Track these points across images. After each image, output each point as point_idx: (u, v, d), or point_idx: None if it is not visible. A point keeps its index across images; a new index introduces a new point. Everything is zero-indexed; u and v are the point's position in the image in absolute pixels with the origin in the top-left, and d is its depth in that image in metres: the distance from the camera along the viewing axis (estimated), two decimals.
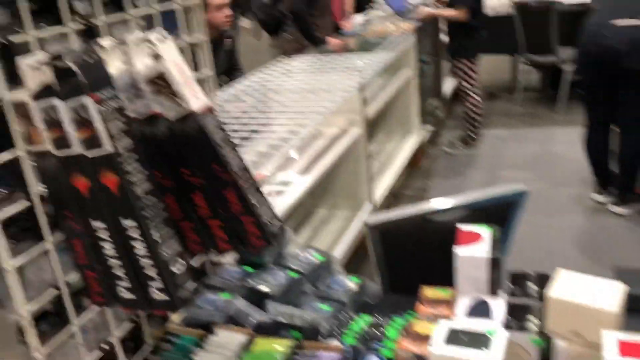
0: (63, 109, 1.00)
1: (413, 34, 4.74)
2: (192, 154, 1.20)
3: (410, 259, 1.67)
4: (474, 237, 1.39)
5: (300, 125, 2.84)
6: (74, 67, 0.97)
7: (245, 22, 6.90)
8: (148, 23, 1.42)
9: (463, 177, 4.78)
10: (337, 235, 3.43)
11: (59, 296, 1.18)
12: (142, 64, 1.18)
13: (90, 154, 1.02)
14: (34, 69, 1.01)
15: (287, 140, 2.72)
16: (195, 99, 1.19)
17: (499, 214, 1.68)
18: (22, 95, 1.03)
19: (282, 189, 2.80)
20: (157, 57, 1.16)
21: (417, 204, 1.74)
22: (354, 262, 3.19)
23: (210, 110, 1.22)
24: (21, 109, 1.04)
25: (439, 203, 1.69)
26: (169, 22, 1.51)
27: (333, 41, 4.58)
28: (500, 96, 6.83)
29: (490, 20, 5.42)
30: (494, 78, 7.23)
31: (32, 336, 1.12)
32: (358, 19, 5.22)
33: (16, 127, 1.06)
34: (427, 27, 5.10)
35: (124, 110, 1.06)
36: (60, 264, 1.17)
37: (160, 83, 1.17)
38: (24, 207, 1.10)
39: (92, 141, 1.01)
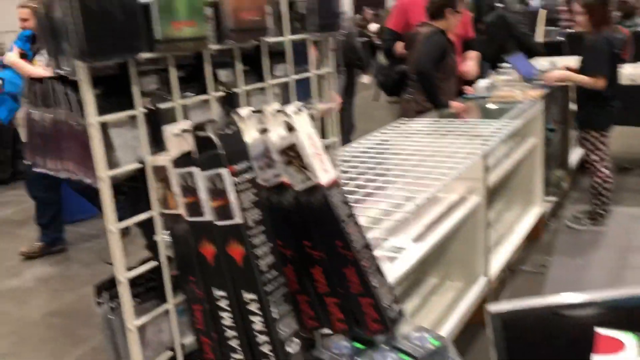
0: (200, 177, 1.03)
1: (541, 100, 4.55)
2: (315, 227, 1.18)
3: (535, 357, 1.52)
4: (616, 346, 1.23)
5: (419, 191, 2.77)
6: (215, 139, 1.00)
7: (365, 79, 7.01)
8: (284, 91, 1.45)
9: (587, 257, 4.41)
10: (448, 308, 3.26)
11: (173, 358, 1.19)
12: (277, 134, 1.20)
13: (221, 223, 1.03)
14: (177, 136, 1.05)
15: (403, 205, 2.65)
16: (324, 172, 1.18)
17: None
18: (163, 160, 1.07)
19: (395, 255, 2.73)
20: (291, 128, 1.17)
21: (546, 296, 1.59)
22: (465, 339, 3.01)
23: (337, 184, 1.20)
24: (160, 173, 1.08)
25: (572, 297, 1.54)
26: (302, 90, 1.54)
27: (456, 105, 4.49)
28: (634, 171, 6.34)
29: (625, 89, 5.09)
30: (628, 150, 6.74)
31: None
32: (483, 83, 5.11)
33: (154, 190, 1.10)
34: (555, 94, 4.88)
35: (256, 181, 1.07)
36: (178, 326, 1.18)
37: (292, 154, 1.18)
38: (152, 267, 1.13)
39: (223, 211, 1.02)
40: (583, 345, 1.26)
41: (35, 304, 4.22)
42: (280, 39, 1.38)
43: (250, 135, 1.18)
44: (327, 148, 1.60)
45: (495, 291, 3.83)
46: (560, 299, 1.58)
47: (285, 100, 1.46)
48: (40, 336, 3.79)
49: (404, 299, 3.20)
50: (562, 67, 4.98)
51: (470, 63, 5.05)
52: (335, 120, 1.61)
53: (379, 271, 1.19)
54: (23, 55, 4.21)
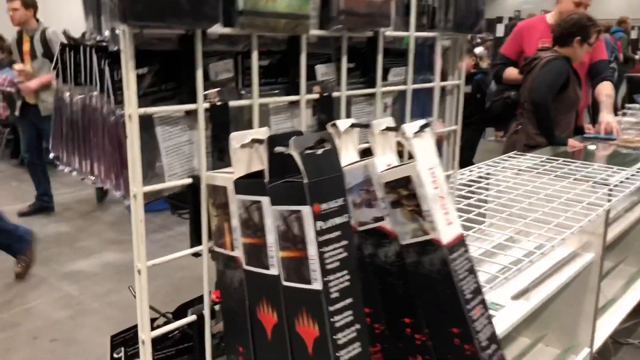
0: (270, 213, 0.70)
1: None
2: (423, 300, 0.82)
3: None
4: None
5: (529, 242, 2.32)
6: (299, 160, 0.66)
7: None
8: (395, 104, 1.11)
9: None
10: None
11: None
12: (385, 160, 0.86)
13: (292, 284, 0.69)
14: (247, 148, 0.73)
15: (509, 256, 2.22)
16: (447, 224, 0.82)
17: None
18: (223, 178, 0.75)
19: (492, 313, 2.30)
20: (408, 155, 0.83)
21: None
22: None
23: (462, 243, 0.84)
24: (219, 195, 0.77)
25: None
26: (418, 104, 1.19)
27: (574, 143, 3.97)
28: None
29: None
30: None
31: None
32: (607, 121, 4.53)
33: (206, 216, 0.79)
34: None
35: (350, 229, 0.73)
36: None
37: (403, 192, 0.83)
38: (187, 322, 0.81)
39: (297, 267, 0.69)
40: None
41: (98, 291, 4.14)
42: (403, 33, 1.04)
43: (347, 157, 0.85)
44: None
45: None
46: None
47: (396, 116, 1.12)
48: (96, 326, 3.67)
49: None
50: None
51: (608, 118, 4.36)
52: (456, 149, 1.25)
53: None
54: None
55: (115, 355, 0.81)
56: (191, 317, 0.80)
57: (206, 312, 0.81)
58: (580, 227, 2.68)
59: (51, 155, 0.86)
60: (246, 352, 0.76)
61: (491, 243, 2.30)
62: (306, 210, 0.66)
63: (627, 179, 3.28)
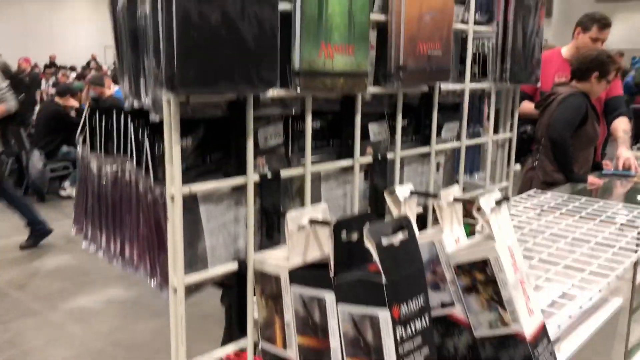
0: (335, 312, 0.59)
1: None
2: None
3: None
4: None
5: (561, 290, 2.20)
6: (374, 252, 0.55)
7: None
8: (447, 161, 1.01)
9: None
10: None
11: None
12: (453, 234, 0.75)
13: None
14: (300, 229, 0.62)
15: (539, 305, 2.09)
16: (529, 314, 0.71)
17: None
18: (276, 266, 0.64)
19: None
20: (483, 234, 0.72)
21: None
22: None
23: (544, 335, 0.73)
24: (270, 284, 0.66)
25: None
26: (468, 160, 1.09)
27: (593, 180, 3.87)
28: None
29: None
30: None
31: None
32: (626, 157, 4.43)
33: (252, 310, 0.67)
34: None
35: (431, 332, 0.61)
36: None
37: (478, 276, 0.72)
38: None
39: None
40: None
41: (102, 329, 4.01)
42: (458, 86, 0.95)
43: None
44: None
45: None
46: None
47: (447, 175, 1.01)
48: None
49: None
50: None
51: (626, 154, 4.25)
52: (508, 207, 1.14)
53: None
54: None
55: None
56: None
57: None
58: (616, 276, 2.55)
59: (73, 231, 0.76)
60: None
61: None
62: (384, 315, 0.55)
63: None
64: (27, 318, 4.09)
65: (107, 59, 12.51)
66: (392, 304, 0.54)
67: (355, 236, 0.57)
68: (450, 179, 1.00)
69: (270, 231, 0.68)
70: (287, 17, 0.65)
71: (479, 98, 1.06)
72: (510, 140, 1.12)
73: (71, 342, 4.06)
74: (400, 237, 0.57)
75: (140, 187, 0.64)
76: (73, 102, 6.43)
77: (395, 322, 0.55)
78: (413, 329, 0.57)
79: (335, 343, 0.59)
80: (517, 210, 3.50)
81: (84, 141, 0.71)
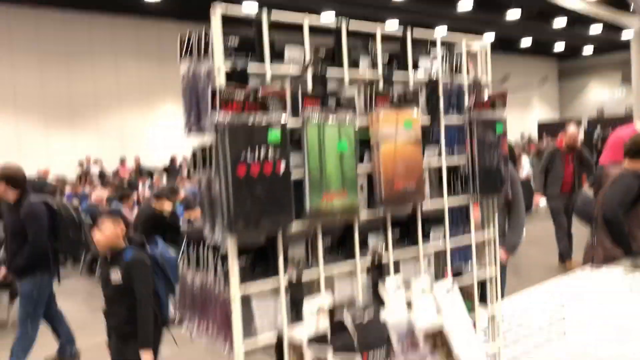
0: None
1: None
2: None
3: None
4: None
5: None
6: (349, 325, 0.94)
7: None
8: (439, 259, 1.37)
9: None
10: None
11: None
12: (423, 313, 1.11)
13: None
14: (314, 314, 1.02)
15: None
16: None
17: None
18: (300, 336, 1.04)
19: None
20: (439, 311, 1.08)
21: None
22: None
23: None
24: (296, 349, 1.05)
25: None
26: (461, 254, 1.44)
27: None
28: None
29: None
30: None
31: None
32: None
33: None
34: None
35: None
36: None
37: (438, 340, 1.07)
38: None
39: None
40: None
41: None
42: (438, 203, 1.33)
43: (395, 312, 1.11)
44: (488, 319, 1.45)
45: None
46: None
47: (441, 269, 1.37)
48: None
49: None
50: None
51: None
52: (498, 289, 1.47)
53: None
54: None
55: None
56: None
57: None
58: None
59: (176, 320, 1.18)
60: None
61: None
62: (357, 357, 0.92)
63: None
64: None
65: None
66: (361, 350, 0.92)
67: (342, 317, 0.96)
68: (441, 270, 1.35)
69: (298, 314, 1.07)
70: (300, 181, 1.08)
71: (462, 208, 1.43)
72: (494, 240, 1.47)
73: None
74: (366, 317, 0.96)
75: (216, 290, 1.06)
76: (167, 206, 7.11)
77: None
78: None
79: None
80: (571, 290, 3.60)
81: (182, 261, 1.15)
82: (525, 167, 9.85)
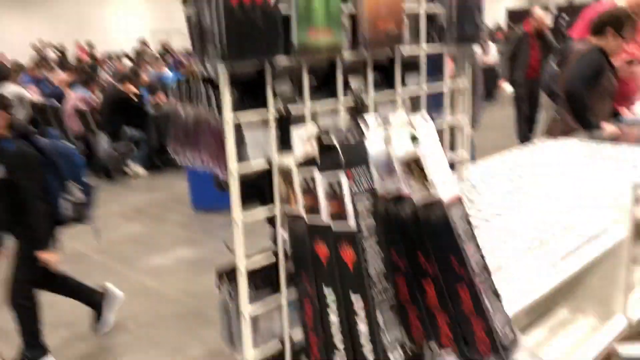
0: (320, 181, 1.06)
1: None
2: (431, 241, 1.17)
3: None
4: None
5: (555, 215, 2.60)
6: (337, 144, 1.03)
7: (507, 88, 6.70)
8: (414, 103, 1.45)
9: None
10: (577, 344, 3.02)
11: (281, 352, 1.24)
12: (401, 145, 1.20)
13: (335, 226, 1.06)
14: (303, 140, 1.10)
15: (536, 228, 2.50)
16: (446, 187, 1.16)
17: None
18: (289, 161, 1.13)
19: (522, 283, 2.59)
20: (415, 141, 1.17)
21: None
22: None
23: (459, 201, 1.18)
24: (285, 174, 1.14)
25: None
26: (435, 102, 1.53)
27: (609, 128, 4.16)
28: None
29: None
30: None
31: None
32: None
33: (278, 188, 1.16)
34: None
35: (373, 190, 1.08)
36: (288, 319, 1.24)
37: (414, 166, 1.17)
38: (270, 261, 1.19)
39: (339, 215, 1.05)
40: None
41: (176, 283, 4.56)
42: (415, 50, 1.39)
43: (375, 144, 1.20)
44: (455, 164, 1.57)
45: (635, 335, 3.49)
46: None
47: (416, 112, 1.46)
48: (176, 313, 4.10)
49: (530, 329, 3.02)
50: None
51: None
52: (467, 137, 1.57)
53: (495, 295, 1.15)
54: None
55: (220, 285, 1.19)
56: (271, 257, 1.18)
57: (280, 253, 1.19)
58: (604, 202, 2.91)
59: (171, 151, 1.26)
60: (309, 277, 1.13)
61: (526, 221, 2.57)
62: (343, 177, 1.02)
63: None
64: (109, 276, 4.64)
65: (154, 43, 13.05)
66: (346, 170, 1.01)
67: (328, 139, 1.04)
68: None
69: (288, 144, 1.16)
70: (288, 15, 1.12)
71: (439, 56, 1.50)
72: (464, 87, 1.56)
73: (149, 294, 4.66)
74: (353, 139, 1.04)
75: (210, 119, 1.13)
76: (133, 89, 7.01)
77: (349, 179, 1.02)
78: (361, 186, 1.04)
79: (322, 199, 1.07)
80: (530, 155, 3.86)
81: (174, 97, 1.21)
82: (493, 54, 9.89)
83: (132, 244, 5.60)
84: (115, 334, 4.20)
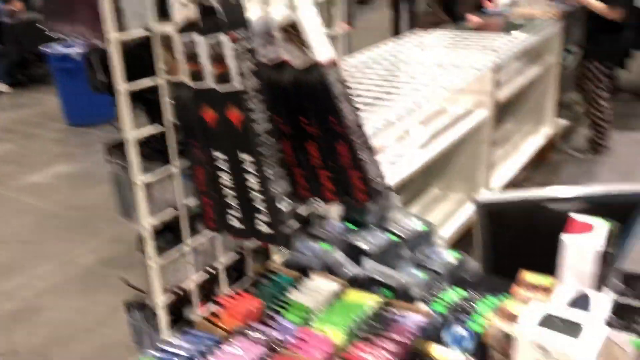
0: (202, 44, 1.09)
1: (560, 20, 4.46)
2: (311, 104, 1.25)
3: (515, 243, 1.62)
4: (586, 228, 1.32)
5: (425, 99, 2.82)
6: (217, 6, 1.05)
7: None
8: None
9: (594, 180, 4.47)
10: (447, 216, 3.38)
11: (177, 218, 1.30)
12: (278, 12, 1.25)
13: (221, 88, 1.10)
14: (182, 5, 1.10)
15: (409, 112, 2.71)
16: (322, 51, 1.23)
17: (622, 212, 1.58)
18: (168, 28, 1.13)
19: (398, 160, 2.81)
20: (293, 7, 1.22)
21: (533, 189, 1.68)
22: (460, 246, 3.14)
23: (334, 64, 1.26)
24: (165, 41, 1.15)
25: (557, 191, 1.62)
26: None
27: (473, 18, 4.43)
28: None
29: None
30: None
31: (150, 247, 1.25)
32: None
33: (160, 57, 1.17)
34: (578, 15, 4.76)
35: (256, 53, 1.13)
36: (182, 188, 1.29)
37: (292, 32, 1.23)
38: (158, 131, 1.22)
39: (223, 77, 1.09)
40: (560, 232, 1.35)
41: (56, 198, 4.42)
42: None
43: (253, 11, 1.23)
44: (333, 39, 1.64)
45: None
46: (544, 192, 1.67)
47: None
48: (60, 226, 4.01)
49: (406, 206, 3.32)
50: None
51: None
52: (341, 13, 1.64)
53: (368, 148, 1.27)
54: None
55: (109, 159, 1.21)
56: (161, 128, 1.21)
57: (167, 123, 1.22)
58: (464, 83, 3.19)
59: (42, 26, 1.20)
60: (199, 144, 1.18)
61: (397, 104, 2.77)
62: (225, 38, 1.06)
63: (512, 43, 3.80)
64: None
65: None
66: (227, 30, 1.05)
67: (207, 1, 1.06)
68: None
69: (167, 12, 1.16)
70: None
71: None
72: None
73: (29, 211, 4.50)
74: (233, 1, 1.07)
75: None
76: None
77: (232, 40, 1.06)
78: (243, 47, 1.08)
79: (205, 63, 1.10)
80: (401, 47, 4.07)
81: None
82: None
83: (4, 164, 5.29)
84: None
